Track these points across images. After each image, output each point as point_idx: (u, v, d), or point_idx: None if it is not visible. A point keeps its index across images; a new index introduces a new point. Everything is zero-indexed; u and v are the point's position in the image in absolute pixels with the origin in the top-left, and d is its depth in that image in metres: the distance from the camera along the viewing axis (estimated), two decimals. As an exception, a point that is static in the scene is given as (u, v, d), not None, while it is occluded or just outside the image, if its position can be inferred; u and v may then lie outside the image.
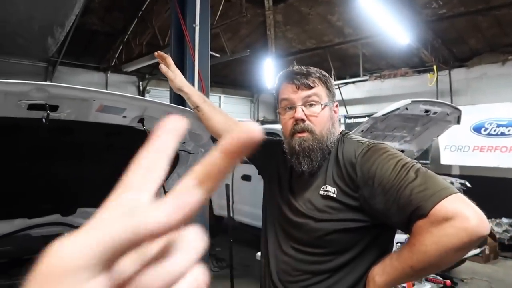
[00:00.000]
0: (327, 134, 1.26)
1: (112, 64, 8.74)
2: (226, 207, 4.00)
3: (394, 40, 7.45)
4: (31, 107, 1.36)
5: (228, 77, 10.67)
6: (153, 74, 9.36)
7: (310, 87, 1.25)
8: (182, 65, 3.74)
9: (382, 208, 1.09)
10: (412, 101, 4.49)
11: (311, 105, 1.25)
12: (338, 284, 1.20)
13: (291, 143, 1.28)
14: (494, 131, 7.14)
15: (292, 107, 1.28)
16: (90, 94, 1.40)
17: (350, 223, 1.17)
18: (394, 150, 1.18)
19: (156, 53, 1.69)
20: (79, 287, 0.22)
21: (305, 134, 1.25)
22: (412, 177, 1.05)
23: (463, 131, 7.03)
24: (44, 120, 1.36)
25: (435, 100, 5.39)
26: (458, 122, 5.32)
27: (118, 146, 1.82)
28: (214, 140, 1.86)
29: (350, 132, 1.35)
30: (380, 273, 1.11)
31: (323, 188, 1.22)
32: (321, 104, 1.25)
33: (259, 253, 1.54)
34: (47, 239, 2.20)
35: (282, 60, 9.21)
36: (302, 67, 1.32)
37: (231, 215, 4.31)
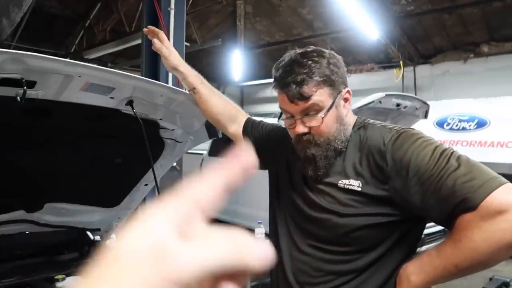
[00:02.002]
0: (335, 135, 1.12)
1: (72, 50, 8.25)
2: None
3: (363, 35, 7.52)
4: (3, 82, 1.14)
5: (195, 68, 10.36)
6: (116, 63, 8.93)
7: (307, 99, 1.07)
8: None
9: (418, 201, 0.98)
10: (386, 95, 4.52)
11: (311, 115, 1.09)
12: (364, 285, 1.09)
13: (296, 148, 1.17)
14: (456, 126, 7.41)
15: (292, 117, 1.13)
16: (76, 68, 1.19)
17: (379, 218, 1.06)
18: (427, 135, 1.08)
19: (145, 29, 1.50)
20: None
21: (309, 143, 1.13)
22: (454, 165, 0.94)
23: (427, 126, 7.20)
24: (19, 98, 1.14)
25: (407, 94, 5.45)
26: (426, 116, 5.41)
27: (100, 132, 1.62)
28: (208, 127, 1.70)
29: (369, 119, 1.23)
30: (417, 271, 1.00)
31: (343, 181, 1.10)
32: (324, 110, 1.09)
33: None
34: (9, 238, 1.93)
35: (251, 52, 9.06)
36: (296, 64, 1.07)
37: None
